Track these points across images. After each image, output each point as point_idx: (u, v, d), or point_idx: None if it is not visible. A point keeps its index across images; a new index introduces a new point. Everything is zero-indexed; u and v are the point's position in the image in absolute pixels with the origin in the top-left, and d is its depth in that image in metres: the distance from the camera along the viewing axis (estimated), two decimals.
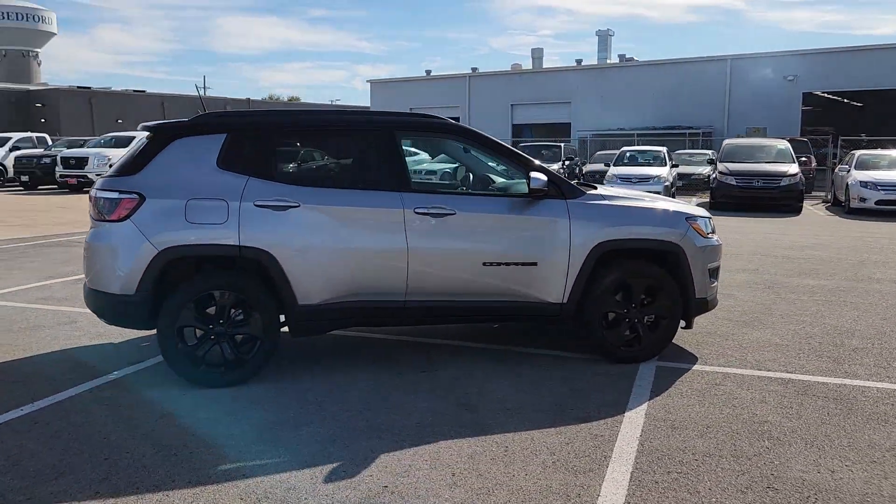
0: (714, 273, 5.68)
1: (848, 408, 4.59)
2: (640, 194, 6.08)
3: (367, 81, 53.50)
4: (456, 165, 9.06)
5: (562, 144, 26.88)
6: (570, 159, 26.26)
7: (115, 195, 4.79)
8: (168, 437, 4.07)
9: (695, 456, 3.88)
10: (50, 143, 27.94)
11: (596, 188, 5.89)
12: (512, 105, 44.08)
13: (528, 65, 51.32)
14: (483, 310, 5.26)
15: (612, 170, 21.52)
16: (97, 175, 22.46)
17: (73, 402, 4.65)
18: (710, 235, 5.64)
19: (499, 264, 5.13)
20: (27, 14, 77.75)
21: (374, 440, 4.05)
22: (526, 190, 5.16)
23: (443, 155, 12.04)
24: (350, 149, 5.39)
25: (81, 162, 23.03)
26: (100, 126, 53.17)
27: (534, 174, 5.12)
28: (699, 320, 6.32)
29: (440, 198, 5.13)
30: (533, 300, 5.24)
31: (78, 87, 60.15)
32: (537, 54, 53.12)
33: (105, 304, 4.84)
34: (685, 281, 5.38)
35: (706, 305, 5.64)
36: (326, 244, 4.94)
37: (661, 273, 5.36)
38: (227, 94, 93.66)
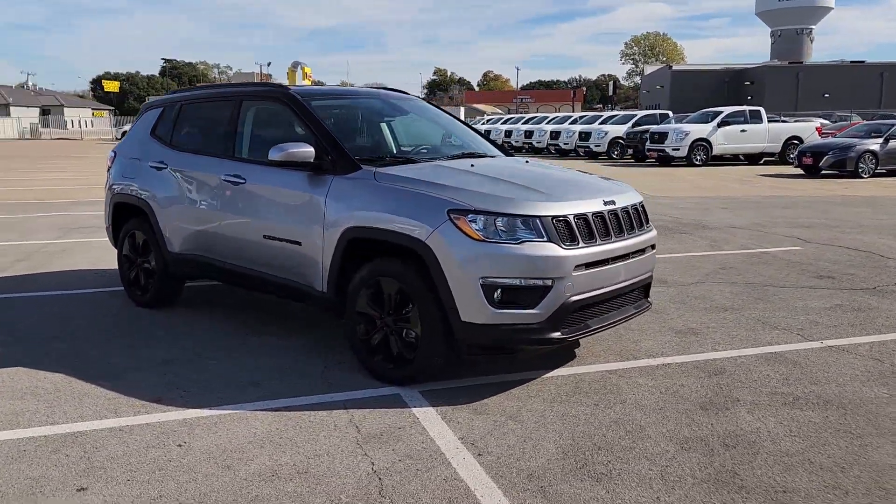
0: (515, 294, 3.92)
1: None
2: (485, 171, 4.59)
3: None
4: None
5: None
6: None
7: (112, 154, 6.53)
8: None
9: None
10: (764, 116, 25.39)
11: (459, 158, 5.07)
12: None
13: None
14: (272, 284, 5.01)
15: None
16: (673, 150, 24.64)
17: None
18: (492, 239, 3.90)
19: (273, 238, 4.86)
20: None
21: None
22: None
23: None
24: (211, 118, 5.76)
25: (662, 137, 25.42)
26: (804, 101, 53.86)
27: (278, 147, 4.57)
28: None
29: (240, 166, 5.13)
30: (303, 283, 4.74)
31: (789, 62, 61.43)
32: None
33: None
34: (439, 294, 4.01)
35: (485, 336, 3.98)
36: (176, 202, 5.64)
37: (416, 278, 4.09)
38: None
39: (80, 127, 72.69)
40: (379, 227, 4.24)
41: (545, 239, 3.96)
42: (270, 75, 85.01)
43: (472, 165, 4.75)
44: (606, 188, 4.62)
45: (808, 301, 6.25)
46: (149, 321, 5.72)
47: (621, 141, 29.56)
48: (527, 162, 5.32)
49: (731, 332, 5.40)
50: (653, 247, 4.72)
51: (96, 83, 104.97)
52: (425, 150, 5.47)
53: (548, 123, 36.21)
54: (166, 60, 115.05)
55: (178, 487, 3.14)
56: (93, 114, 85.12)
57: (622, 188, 4.74)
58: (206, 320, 5.74)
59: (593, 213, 4.19)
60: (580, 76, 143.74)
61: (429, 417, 3.85)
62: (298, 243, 4.70)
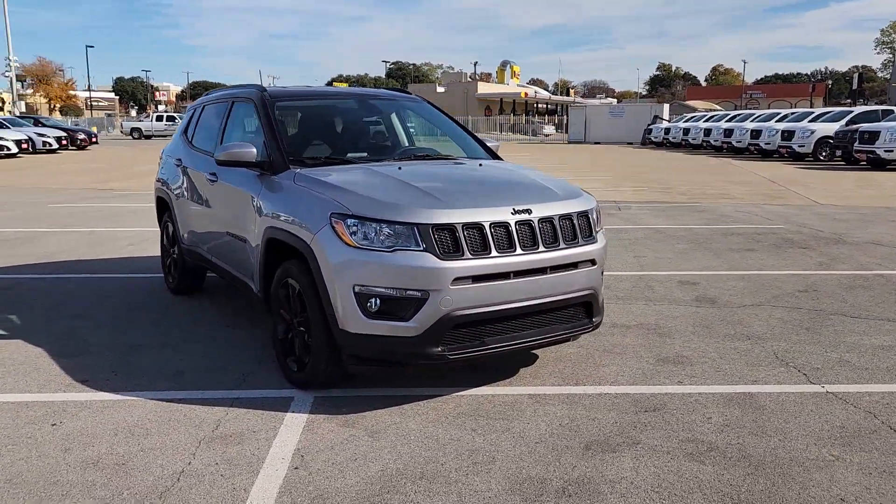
0: (389, 304, 3.73)
1: None
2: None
3: None
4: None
5: None
6: None
7: (162, 150, 7.02)
8: None
9: None
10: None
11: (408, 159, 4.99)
12: None
13: None
14: (237, 280, 5.13)
15: None
16: (886, 151, 21.63)
17: None
18: (365, 245, 3.75)
19: (231, 235, 5.06)
20: None
21: None
22: None
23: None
24: (212, 118, 6.00)
25: (873, 137, 22.31)
26: None
27: (223, 146, 4.76)
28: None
29: (215, 165, 5.11)
30: (249, 280, 4.85)
31: None
32: None
33: None
34: (320, 298, 3.92)
35: (362, 346, 3.82)
36: (183, 196, 6.02)
37: (307, 281, 4.00)
38: None
39: None
40: (283, 227, 4.22)
41: (421, 248, 3.72)
42: (477, 74, 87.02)
43: (400, 168, 4.55)
44: (529, 195, 4.19)
45: (868, 337, 5.23)
46: (162, 307, 6.16)
47: (830, 141, 26.46)
48: (480, 165, 4.98)
49: (722, 365, 4.69)
50: (592, 262, 4.22)
51: (329, 85, 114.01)
52: (377, 151, 5.32)
53: (753, 121, 33.38)
54: (392, 63, 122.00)
55: (8, 464, 3.37)
56: None
57: (562, 195, 4.29)
58: (209, 310, 6.07)
59: (493, 223, 3.84)
60: (826, 68, 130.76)
61: (292, 424, 3.78)
62: (245, 241, 4.81)
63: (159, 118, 53.04)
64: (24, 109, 47.02)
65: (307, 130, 5.36)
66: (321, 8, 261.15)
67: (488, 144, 5.57)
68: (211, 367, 4.67)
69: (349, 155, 4.94)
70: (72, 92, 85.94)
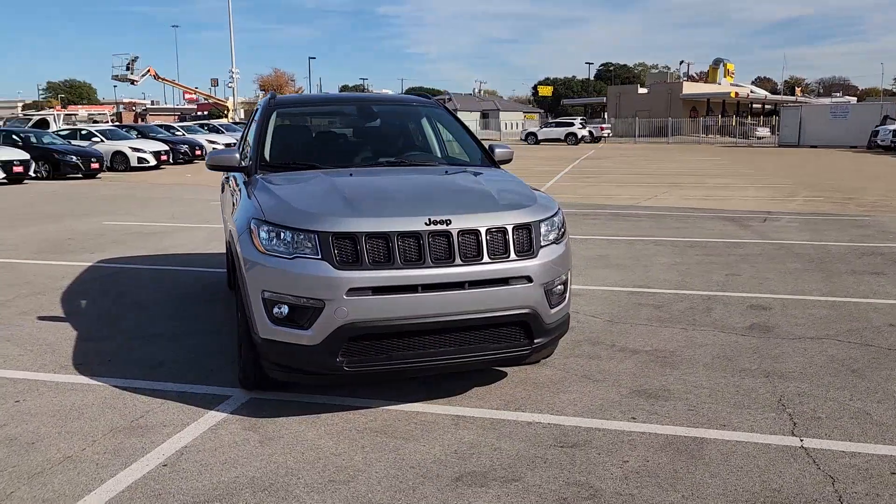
0: (291, 311, 3.72)
1: None
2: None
3: None
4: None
5: None
6: None
7: None
8: None
9: None
10: None
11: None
12: None
13: None
14: None
15: None
16: None
17: None
18: (271, 251, 3.77)
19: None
20: None
21: None
22: None
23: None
24: (249, 123, 6.10)
25: None
26: None
27: (212, 151, 5.09)
28: None
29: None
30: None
31: None
32: None
33: None
34: (244, 302, 4.01)
35: (272, 352, 3.84)
36: (227, 196, 5.71)
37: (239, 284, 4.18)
38: None
39: (509, 129, 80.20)
40: (230, 230, 4.38)
41: (318, 257, 3.66)
42: (686, 73, 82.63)
43: (351, 175, 4.51)
44: (458, 206, 3.95)
45: None
46: (213, 300, 6.58)
47: None
48: (446, 173, 4.80)
49: (701, 404, 4.10)
50: (528, 279, 3.88)
51: (535, 88, 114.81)
52: (355, 157, 5.22)
53: None
54: (602, 64, 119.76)
55: None
56: (525, 117, 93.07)
57: (503, 206, 4.00)
58: None
59: (401, 234, 3.68)
60: None
61: (205, 422, 3.90)
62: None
63: None
64: (241, 116, 52.04)
65: (295, 136, 5.47)
66: (535, 11, 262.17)
67: (497, 150, 5.33)
68: (189, 360, 4.92)
69: (323, 161, 4.97)
70: None
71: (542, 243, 4.01)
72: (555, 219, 4.17)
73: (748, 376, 4.53)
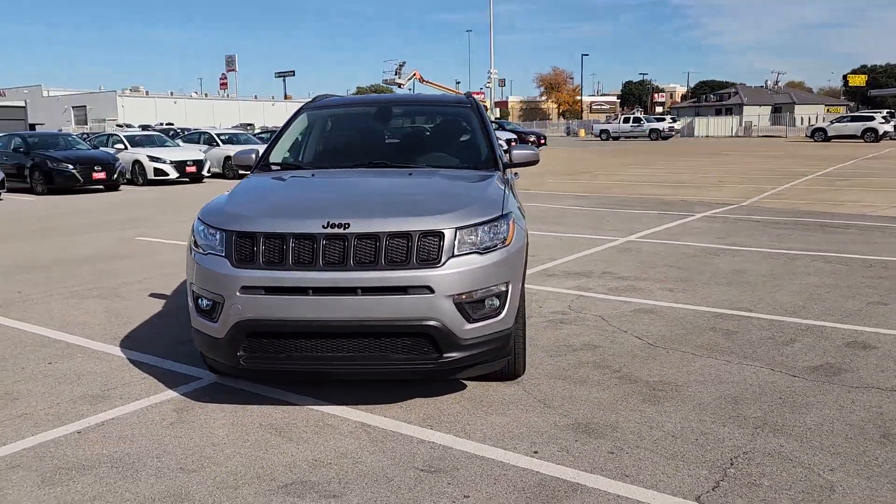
0: (207, 304, 3.94)
1: None
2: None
3: None
4: None
5: None
6: None
7: None
8: None
9: None
10: None
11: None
12: None
13: None
14: None
15: None
16: None
17: None
18: (197, 248, 4.03)
19: None
20: None
21: None
22: None
23: None
24: None
25: None
26: None
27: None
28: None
29: None
30: None
31: None
32: None
33: None
34: None
35: (195, 340, 4.16)
36: None
37: None
38: None
39: (805, 123, 72.31)
40: None
41: (222, 254, 3.84)
42: None
43: (313, 176, 4.65)
44: (364, 210, 3.86)
45: None
46: None
47: None
48: (409, 175, 4.68)
49: (626, 449, 3.53)
50: (430, 289, 3.63)
51: (845, 78, 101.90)
52: (355, 158, 5.15)
53: None
54: None
55: None
56: (826, 110, 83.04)
57: (422, 211, 3.80)
58: None
59: (297, 236, 3.69)
60: None
61: (154, 399, 4.27)
62: None
63: (626, 120, 53.64)
64: (498, 115, 53.64)
65: (306, 138, 5.63)
66: None
67: (515, 153, 5.05)
68: (186, 339, 5.12)
69: (320, 162, 5.08)
70: (577, 97, 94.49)
71: (458, 252, 3.74)
72: (486, 227, 3.85)
73: (733, 425, 3.78)
